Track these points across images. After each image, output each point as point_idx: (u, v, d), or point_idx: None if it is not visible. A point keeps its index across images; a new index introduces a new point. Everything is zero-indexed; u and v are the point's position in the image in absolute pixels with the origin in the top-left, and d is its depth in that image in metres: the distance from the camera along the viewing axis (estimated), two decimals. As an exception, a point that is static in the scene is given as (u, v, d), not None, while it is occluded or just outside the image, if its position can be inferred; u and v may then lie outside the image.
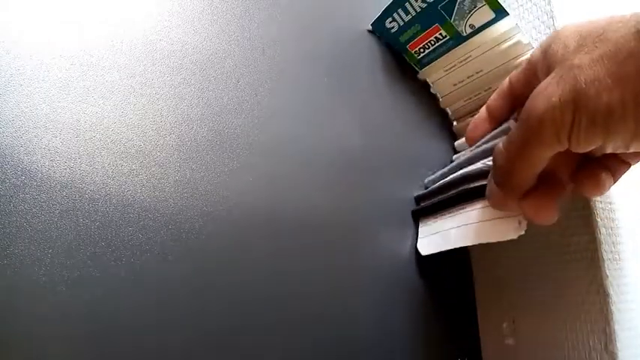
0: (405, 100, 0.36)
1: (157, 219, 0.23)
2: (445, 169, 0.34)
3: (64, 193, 0.21)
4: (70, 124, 0.22)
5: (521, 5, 0.34)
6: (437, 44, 0.34)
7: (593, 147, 0.21)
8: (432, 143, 0.37)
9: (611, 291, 0.28)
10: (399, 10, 0.33)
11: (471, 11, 0.31)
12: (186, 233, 0.24)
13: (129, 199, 0.23)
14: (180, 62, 0.26)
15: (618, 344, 0.27)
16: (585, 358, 0.28)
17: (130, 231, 0.22)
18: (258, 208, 0.27)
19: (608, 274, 0.28)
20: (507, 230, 0.27)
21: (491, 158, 0.28)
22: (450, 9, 0.31)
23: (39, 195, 0.20)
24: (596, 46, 0.20)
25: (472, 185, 0.30)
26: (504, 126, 0.28)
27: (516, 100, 0.27)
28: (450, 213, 0.31)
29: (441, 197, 0.32)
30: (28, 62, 0.21)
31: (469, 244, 0.29)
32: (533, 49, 0.26)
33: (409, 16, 0.33)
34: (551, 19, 0.32)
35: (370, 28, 0.35)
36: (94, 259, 0.21)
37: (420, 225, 0.34)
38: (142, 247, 0.22)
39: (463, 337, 0.34)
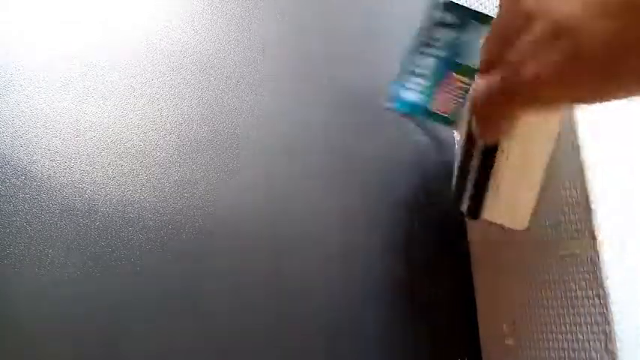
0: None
1: (157, 219, 0.23)
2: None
3: (64, 193, 0.21)
4: (70, 124, 0.22)
5: (522, 5, 0.34)
6: (464, 94, 0.31)
7: None
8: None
9: (611, 291, 0.28)
10: (410, 78, 0.30)
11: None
12: (186, 233, 0.24)
13: (129, 199, 0.23)
14: (180, 62, 0.26)
15: (618, 344, 0.27)
16: (585, 358, 0.28)
17: (130, 231, 0.22)
18: (258, 207, 0.27)
19: (608, 274, 0.28)
20: None
21: None
22: (459, 54, 0.29)
23: (39, 195, 0.20)
24: None
25: None
26: None
27: None
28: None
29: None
30: (28, 62, 0.21)
31: None
32: None
33: (422, 79, 0.31)
34: (551, 19, 0.32)
35: (387, 105, 0.33)
36: (94, 259, 0.21)
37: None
38: (142, 247, 0.22)
39: (463, 337, 0.34)
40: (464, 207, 0.30)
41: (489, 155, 0.28)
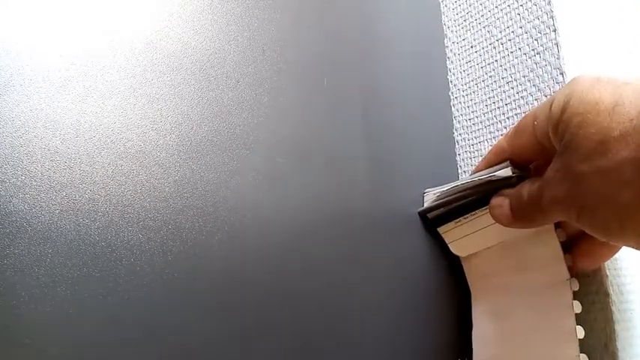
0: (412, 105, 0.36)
1: (157, 219, 0.23)
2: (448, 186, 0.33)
3: (64, 193, 0.21)
4: (70, 124, 0.22)
5: (521, 5, 0.34)
6: None
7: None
8: (435, 153, 0.37)
9: (611, 291, 0.28)
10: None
11: None
12: (187, 233, 0.24)
13: (129, 199, 0.23)
14: (180, 62, 0.26)
15: (618, 344, 0.27)
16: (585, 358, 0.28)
17: (130, 231, 0.22)
18: (259, 208, 0.27)
19: (608, 274, 0.28)
20: None
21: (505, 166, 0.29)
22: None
23: (39, 195, 0.20)
24: (604, 154, 0.21)
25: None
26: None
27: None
28: (482, 212, 0.32)
29: (461, 202, 0.32)
30: (28, 62, 0.21)
31: (505, 238, 0.31)
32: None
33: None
34: (551, 19, 0.32)
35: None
36: (94, 259, 0.21)
37: (442, 232, 0.34)
38: (142, 247, 0.22)
39: (463, 337, 0.34)
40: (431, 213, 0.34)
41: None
